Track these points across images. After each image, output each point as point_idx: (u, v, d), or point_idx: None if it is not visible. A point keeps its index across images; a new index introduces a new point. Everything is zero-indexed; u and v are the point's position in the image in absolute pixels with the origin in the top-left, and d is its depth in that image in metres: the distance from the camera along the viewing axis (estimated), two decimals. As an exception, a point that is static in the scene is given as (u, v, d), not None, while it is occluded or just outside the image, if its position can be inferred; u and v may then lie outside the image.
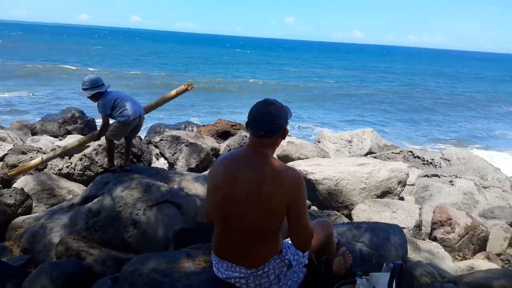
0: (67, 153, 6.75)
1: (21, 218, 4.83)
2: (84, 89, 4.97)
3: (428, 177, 8.06)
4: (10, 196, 4.90)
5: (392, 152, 9.70)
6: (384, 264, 2.78)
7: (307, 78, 47.80)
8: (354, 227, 3.80)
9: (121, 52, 66.24)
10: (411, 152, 9.60)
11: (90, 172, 7.12)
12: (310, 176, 6.70)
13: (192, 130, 17.75)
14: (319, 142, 10.71)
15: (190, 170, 7.08)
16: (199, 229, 4.64)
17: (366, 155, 9.98)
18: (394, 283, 2.50)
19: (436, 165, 8.99)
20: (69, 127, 16.34)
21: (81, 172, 7.00)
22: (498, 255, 5.50)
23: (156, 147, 7.44)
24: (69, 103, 25.40)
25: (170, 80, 36.55)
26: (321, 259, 2.83)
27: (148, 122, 20.17)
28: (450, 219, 5.63)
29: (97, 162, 7.21)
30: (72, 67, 41.20)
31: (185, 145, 7.28)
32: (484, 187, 7.77)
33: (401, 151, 9.73)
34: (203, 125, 12.41)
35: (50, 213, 4.73)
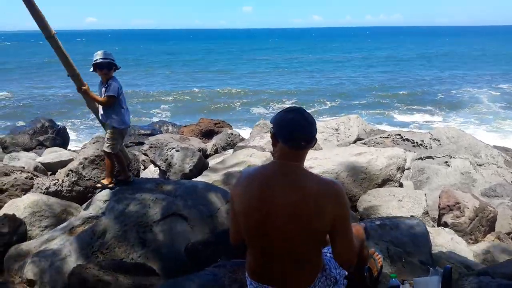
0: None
1: (18, 246, 4.49)
2: (102, 59, 4.44)
3: (422, 159, 8.03)
4: (2, 224, 4.56)
5: (380, 137, 9.64)
6: (431, 269, 2.65)
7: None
8: (379, 225, 3.67)
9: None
10: (399, 135, 9.56)
11: (79, 187, 6.79)
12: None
13: (167, 130, 17.43)
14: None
15: (184, 175, 6.83)
16: (209, 241, 4.44)
17: (355, 142, 9.89)
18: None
19: (426, 146, 8.98)
20: (41, 138, 15.76)
21: (69, 189, 6.66)
22: (508, 234, 5.49)
23: (145, 155, 7.14)
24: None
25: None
26: (364, 269, 2.68)
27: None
28: (458, 203, 5.58)
29: (84, 177, 6.88)
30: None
31: (176, 150, 7.01)
32: (479, 165, 7.79)
33: (389, 135, 9.68)
34: (185, 126, 12.12)
35: (50, 237, 4.43)
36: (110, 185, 4.72)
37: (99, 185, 4.75)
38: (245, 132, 13.27)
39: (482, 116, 21.55)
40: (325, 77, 38.61)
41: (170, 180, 5.38)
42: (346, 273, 2.62)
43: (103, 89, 4.56)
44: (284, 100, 27.45)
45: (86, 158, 6.86)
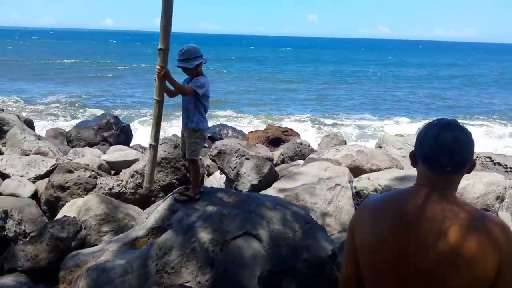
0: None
1: (75, 253, 4.10)
2: (186, 59, 3.98)
3: (519, 188, 7.02)
4: (62, 228, 4.20)
5: (467, 159, 8.65)
6: None
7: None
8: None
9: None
10: (490, 158, 8.53)
11: (143, 190, 6.43)
12: (394, 193, 5.81)
13: (227, 135, 17.07)
14: (380, 147, 9.74)
15: (253, 186, 6.30)
16: (288, 269, 3.85)
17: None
18: None
19: (522, 173, 7.93)
20: (105, 134, 15.89)
21: (133, 191, 6.33)
22: None
23: (213, 160, 6.67)
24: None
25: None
26: None
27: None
28: None
29: (149, 179, 6.51)
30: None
31: (246, 158, 6.49)
32: None
33: (477, 157, 8.67)
34: (251, 131, 11.63)
35: (111, 247, 3.99)
36: (197, 197, 4.24)
37: (183, 197, 4.25)
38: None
39: None
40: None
41: (244, 192, 4.84)
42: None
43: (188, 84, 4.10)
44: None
45: (152, 160, 6.49)
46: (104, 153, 9.87)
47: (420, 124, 20.96)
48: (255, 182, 6.28)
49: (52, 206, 5.83)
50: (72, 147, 13.07)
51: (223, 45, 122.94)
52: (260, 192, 5.89)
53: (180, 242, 3.73)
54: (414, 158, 1.76)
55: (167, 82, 3.89)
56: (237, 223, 3.96)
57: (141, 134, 18.98)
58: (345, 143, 10.93)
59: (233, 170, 6.42)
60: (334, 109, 26.90)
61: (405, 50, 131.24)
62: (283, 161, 9.20)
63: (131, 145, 16.50)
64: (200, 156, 8.01)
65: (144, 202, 6.31)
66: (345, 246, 1.90)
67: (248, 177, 6.32)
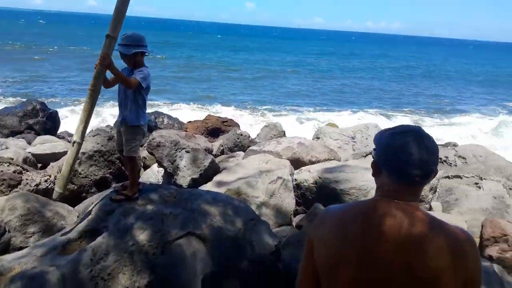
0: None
1: (-1, 259, 3.72)
2: (126, 45, 3.70)
3: (449, 178, 7.36)
4: (-18, 231, 3.79)
5: (400, 149, 8.96)
6: None
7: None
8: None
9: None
10: (421, 148, 8.89)
11: (73, 185, 6.06)
12: (334, 186, 5.86)
13: (163, 123, 16.60)
14: (318, 138, 9.84)
15: (193, 180, 6.09)
16: (231, 270, 3.73)
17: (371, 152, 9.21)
18: None
19: (451, 163, 8.32)
20: (31, 121, 14.88)
21: (62, 187, 5.89)
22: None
23: (151, 153, 6.37)
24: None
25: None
26: None
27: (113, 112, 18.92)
28: (505, 235, 4.92)
29: (80, 174, 6.15)
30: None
31: (186, 151, 6.25)
32: (511, 189, 7.15)
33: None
34: (189, 121, 11.32)
35: (39, 252, 3.65)
36: (136, 195, 3.96)
37: (119, 197, 3.95)
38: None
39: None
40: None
41: (186, 189, 4.63)
42: None
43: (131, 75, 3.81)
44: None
45: (84, 153, 6.11)
46: (30, 144, 9.21)
47: (358, 115, 21.59)
48: (196, 176, 6.08)
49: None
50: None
51: (157, 29, 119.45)
52: (201, 187, 5.72)
53: (117, 246, 3.47)
54: (377, 168, 1.66)
55: (107, 72, 3.61)
56: (178, 223, 3.76)
57: (71, 122, 17.99)
58: (284, 134, 10.95)
59: (172, 163, 6.16)
60: (271, 99, 27.01)
61: (339, 42, 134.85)
62: (222, 152, 9.04)
63: (58, 132, 15.61)
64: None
65: (74, 199, 5.91)
66: (303, 261, 1.79)
67: (188, 171, 6.10)
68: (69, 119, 18.26)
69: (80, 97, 21.12)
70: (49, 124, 15.65)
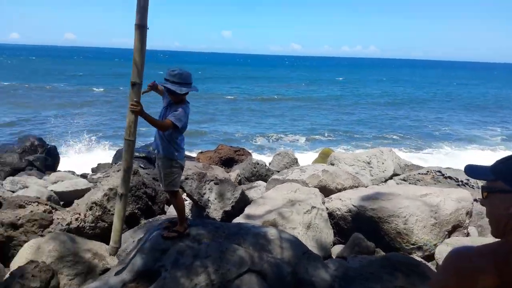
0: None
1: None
2: (177, 83, 3.60)
3: (476, 201, 7.29)
4: (32, 276, 3.61)
5: (419, 173, 8.90)
6: None
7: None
8: None
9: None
10: (440, 172, 8.83)
11: (103, 223, 5.88)
12: (371, 213, 5.76)
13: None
14: (332, 164, 9.78)
15: (226, 213, 5.95)
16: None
17: (391, 177, 9.15)
18: None
19: (473, 186, 8.27)
20: (30, 158, 14.66)
21: (93, 225, 5.75)
22: None
23: (181, 187, 6.24)
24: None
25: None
26: None
27: (111, 146, 18.75)
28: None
29: (109, 211, 5.97)
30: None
31: (215, 183, 6.13)
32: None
33: (428, 171, 8.94)
34: (201, 152, 11.20)
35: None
36: (187, 231, 3.84)
37: (172, 234, 3.83)
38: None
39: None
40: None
41: (232, 224, 4.51)
42: None
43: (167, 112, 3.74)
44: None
45: (111, 189, 5.97)
46: (40, 179, 9.00)
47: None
48: (228, 208, 5.94)
49: (2, 247, 5.09)
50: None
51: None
52: (235, 219, 5.59)
53: (180, 287, 3.34)
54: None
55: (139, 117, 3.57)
56: (237, 260, 3.64)
57: (70, 158, 17.75)
58: (297, 161, 10.88)
59: (202, 196, 6.03)
60: (267, 127, 26.97)
61: (317, 67, 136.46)
62: (240, 182, 8.91)
63: (58, 168, 15.33)
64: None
65: (105, 236, 5.72)
66: None
67: (220, 204, 5.97)
68: (69, 154, 18.08)
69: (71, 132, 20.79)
70: (49, 160, 15.43)
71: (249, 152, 11.00)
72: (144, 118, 3.52)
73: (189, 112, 3.78)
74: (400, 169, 9.57)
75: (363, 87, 60.43)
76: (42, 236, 5.12)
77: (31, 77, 53.39)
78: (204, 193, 6.08)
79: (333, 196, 6.56)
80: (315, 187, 6.82)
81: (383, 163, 9.47)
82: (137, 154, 15.68)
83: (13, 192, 7.18)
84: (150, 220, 5.97)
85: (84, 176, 11.26)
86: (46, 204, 5.54)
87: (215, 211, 5.92)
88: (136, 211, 6.18)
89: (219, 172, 7.99)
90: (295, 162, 10.76)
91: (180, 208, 3.97)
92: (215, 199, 6.02)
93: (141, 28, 3.39)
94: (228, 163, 10.24)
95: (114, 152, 15.89)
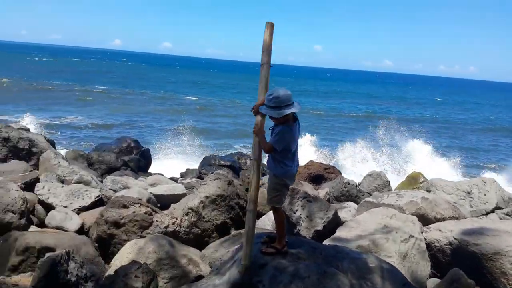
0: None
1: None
2: (274, 107, 3.49)
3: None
4: (136, 277, 3.77)
5: (526, 208, 8.18)
6: None
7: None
8: None
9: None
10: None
11: (197, 229, 6.04)
12: (474, 249, 5.35)
13: (246, 164, 16.51)
14: (428, 191, 9.27)
15: (317, 232, 5.85)
16: None
17: (493, 211, 8.49)
18: None
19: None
20: (126, 158, 15.53)
21: (187, 230, 5.93)
22: None
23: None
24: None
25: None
26: None
27: (198, 152, 19.42)
28: None
29: (203, 218, 6.13)
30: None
31: (308, 201, 6.07)
32: None
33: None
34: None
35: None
36: (285, 249, 3.83)
37: (271, 250, 3.84)
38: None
39: None
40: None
41: (329, 245, 4.41)
42: None
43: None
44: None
45: (207, 197, 6.12)
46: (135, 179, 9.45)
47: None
48: (319, 228, 5.84)
49: (104, 243, 5.42)
50: (94, 171, 12.71)
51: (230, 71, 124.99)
52: (326, 241, 5.46)
53: (279, 306, 3.30)
54: None
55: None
56: (334, 285, 3.53)
57: (161, 161, 18.62)
58: (389, 184, 10.48)
59: (294, 213, 5.99)
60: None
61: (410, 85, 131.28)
62: (328, 201, 8.75)
63: (149, 170, 16.12)
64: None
65: (198, 242, 5.88)
66: None
67: (311, 222, 5.88)
68: (159, 157, 18.96)
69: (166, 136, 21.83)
70: (142, 161, 16.29)
71: (339, 171, 10.80)
72: (259, 139, 3.60)
73: (294, 130, 3.69)
74: (504, 202, 8.84)
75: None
76: (141, 236, 5.36)
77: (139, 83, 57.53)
78: (296, 210, 6.03)
79: (432, 226, 6.21)
80: (412, 214, 6.49)
81: (485, 195, 8.80)
82: (222, 162, 16.13)
83: (115, 191, 7.63)
84: (241, 231, 6.03)
85: (173, 179, 11.71)
86: (147, 206, 5.81)
87: (306, 229, 5.85)
88: (228, 221, 6.27)
89: (308, 188, 7.89)
90: (387, 184, 10.37)
91: (280, 225, 3.94)
92: (307, 217, 5.95)
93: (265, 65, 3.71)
94: (316, 179, 10.12)
95: (201, 159, 16.45)
